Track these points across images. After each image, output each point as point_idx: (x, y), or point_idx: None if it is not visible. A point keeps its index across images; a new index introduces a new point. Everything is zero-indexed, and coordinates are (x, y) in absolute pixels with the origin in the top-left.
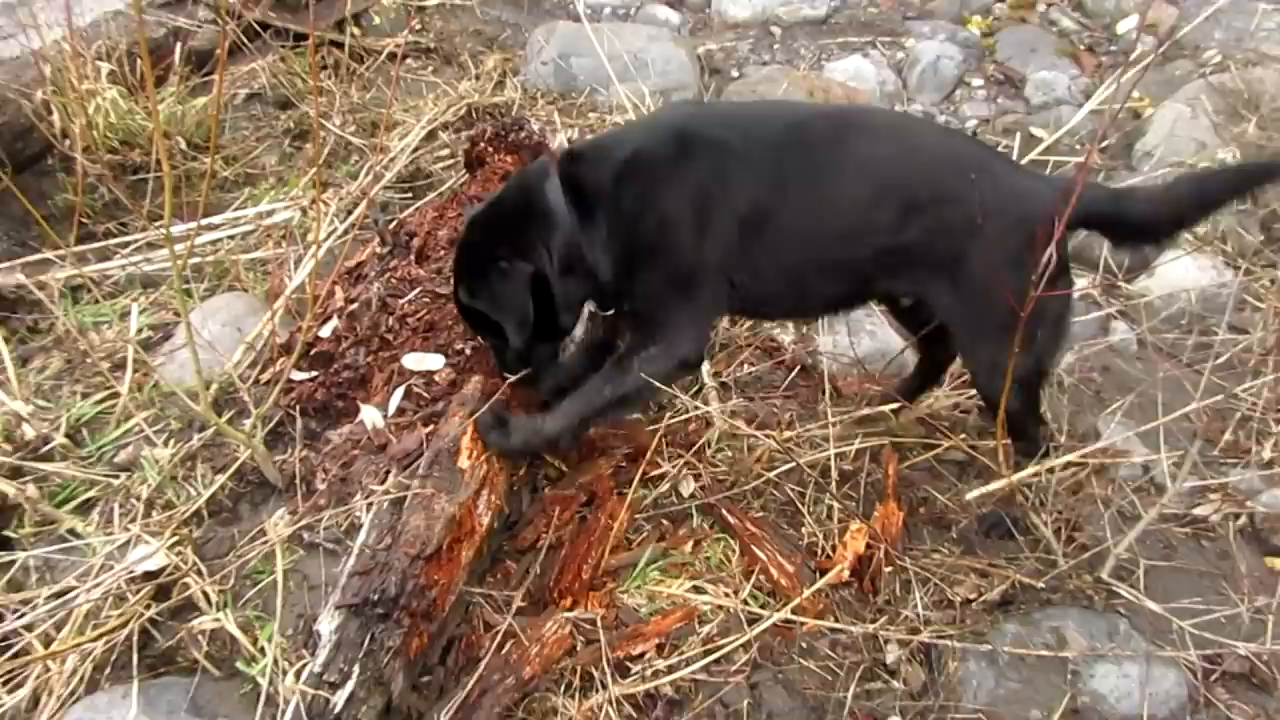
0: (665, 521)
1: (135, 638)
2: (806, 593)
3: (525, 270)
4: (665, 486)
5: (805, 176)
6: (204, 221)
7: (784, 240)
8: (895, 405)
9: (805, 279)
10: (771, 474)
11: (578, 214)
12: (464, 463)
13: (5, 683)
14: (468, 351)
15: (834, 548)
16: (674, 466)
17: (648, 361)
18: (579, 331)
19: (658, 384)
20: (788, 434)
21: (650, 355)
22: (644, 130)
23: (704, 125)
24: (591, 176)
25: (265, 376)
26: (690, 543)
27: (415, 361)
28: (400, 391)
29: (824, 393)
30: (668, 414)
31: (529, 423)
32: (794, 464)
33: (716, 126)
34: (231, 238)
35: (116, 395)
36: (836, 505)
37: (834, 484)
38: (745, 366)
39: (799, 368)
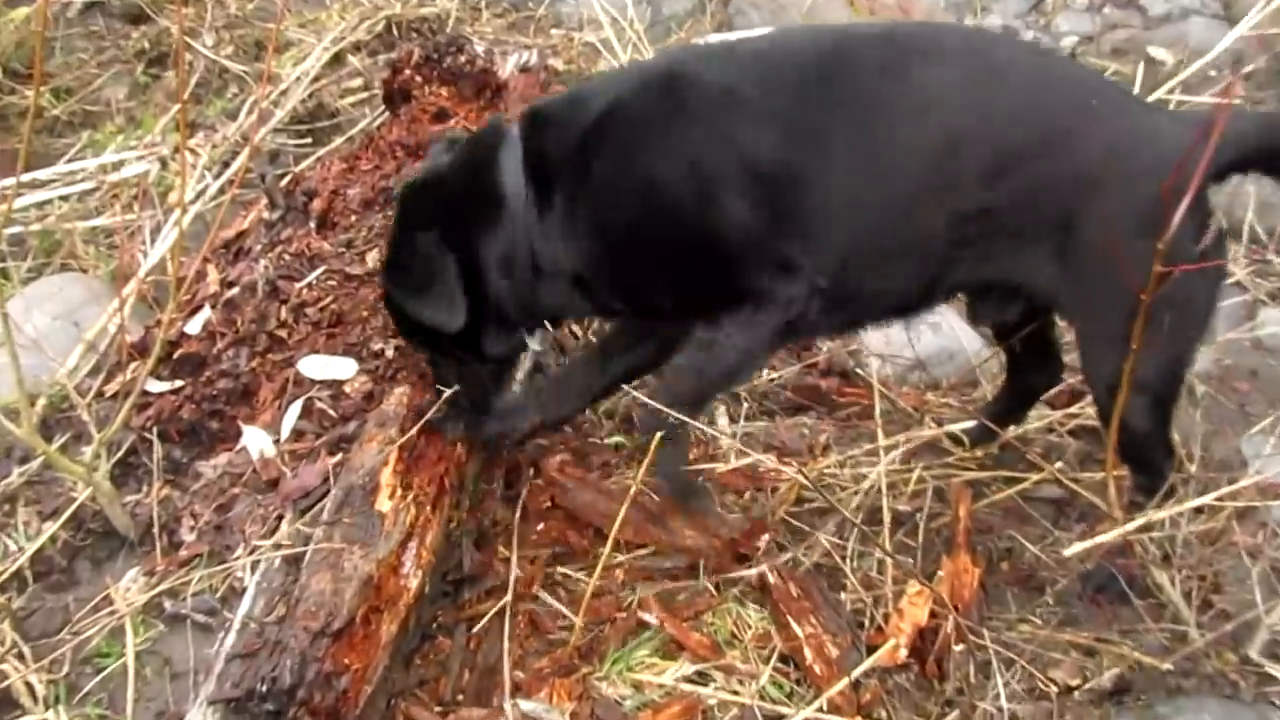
0: (665, 581)
1: None
2: (845, 681)
3: (452, 257)
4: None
5: (848, 126)
6: (26, 177)
7: (821, 219)
8: (968, 425)
9: (854, 272)
10: (799, 518)
11: (534, 194)
12: (384, 504)
13: None
14: (389, 353)
15: (886, 617)
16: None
17: (738, 328)
18: (534, 347)
19: (762, 349)
20: (822, 464)
21: (739, 321)
22: (625, 78)
23: (703, 66)
24: (555, 144)
25: (112, 388)
26: (692, 610)
27: (317, 367)
28: (296, 408)
29: (874, 408)
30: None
31: (529, 398)
32: (830, 505)
33: (720, 67)
34: (65, 199)
35: None
36: (889, 560)
37: (885, 531)
38: (765, 372)
39: (837, 374)
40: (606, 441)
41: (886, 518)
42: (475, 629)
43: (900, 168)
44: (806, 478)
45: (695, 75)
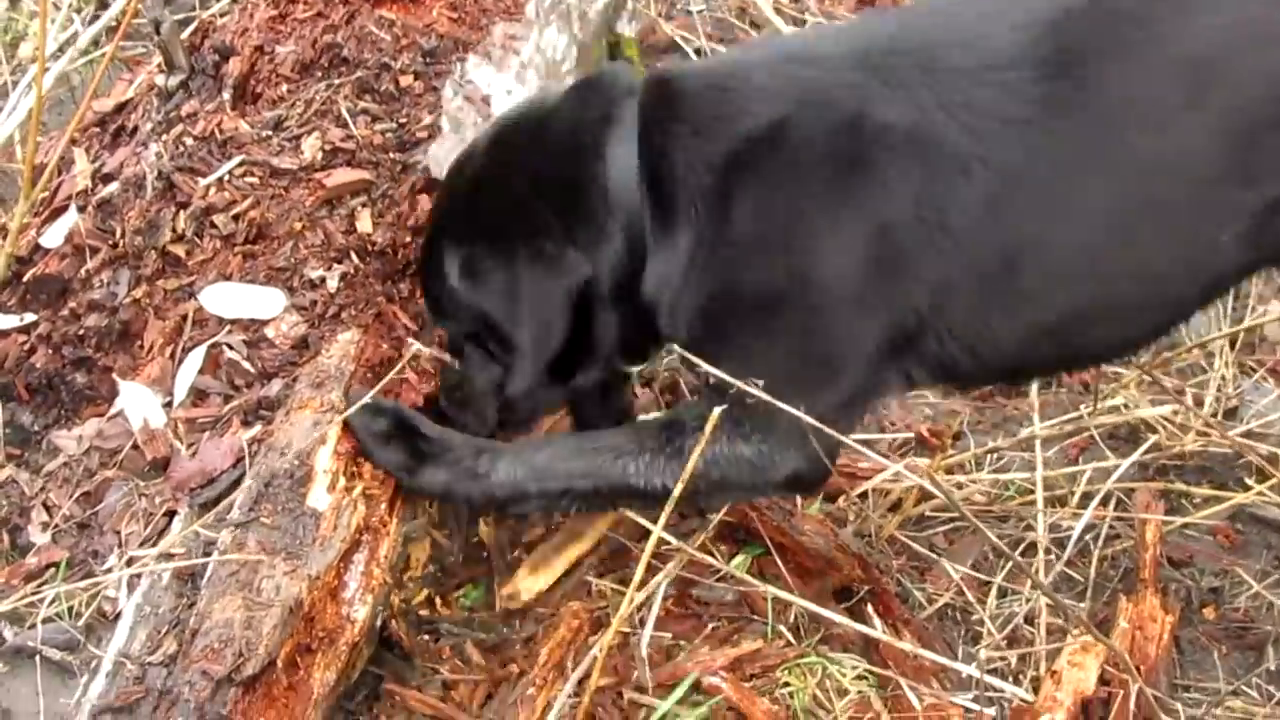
0: (718, 621)
1: None
2: None
3: (580, 273)
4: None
5: (1092, 163)
6: None
7: (1063, 276)
8: (1171, 409)
9: (1095, 322)
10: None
11: (653, 210)
12: (321, 499)
13: None
14: (331, 284)
15: (1037, 682)
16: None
17: (723, 456)
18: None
19: (723, 494)
20: (951, 458)
21: (730, 446)
22: (800, 76)
23: (899, 97)
24: (691, 155)
25: None
26: (758, 664)
27: (227, 301)
28: (197, 358)
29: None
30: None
31: (464, 450)
32: (963, 518)
33: (922, 102)
34: None
35: None
36: (1044, 601)
37: (1040, 559)
38: None
39: None
40: (642, 419)
41: (1043, 539)
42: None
43: (1163, 189)
44: (935, 482)
45: (883, 121)
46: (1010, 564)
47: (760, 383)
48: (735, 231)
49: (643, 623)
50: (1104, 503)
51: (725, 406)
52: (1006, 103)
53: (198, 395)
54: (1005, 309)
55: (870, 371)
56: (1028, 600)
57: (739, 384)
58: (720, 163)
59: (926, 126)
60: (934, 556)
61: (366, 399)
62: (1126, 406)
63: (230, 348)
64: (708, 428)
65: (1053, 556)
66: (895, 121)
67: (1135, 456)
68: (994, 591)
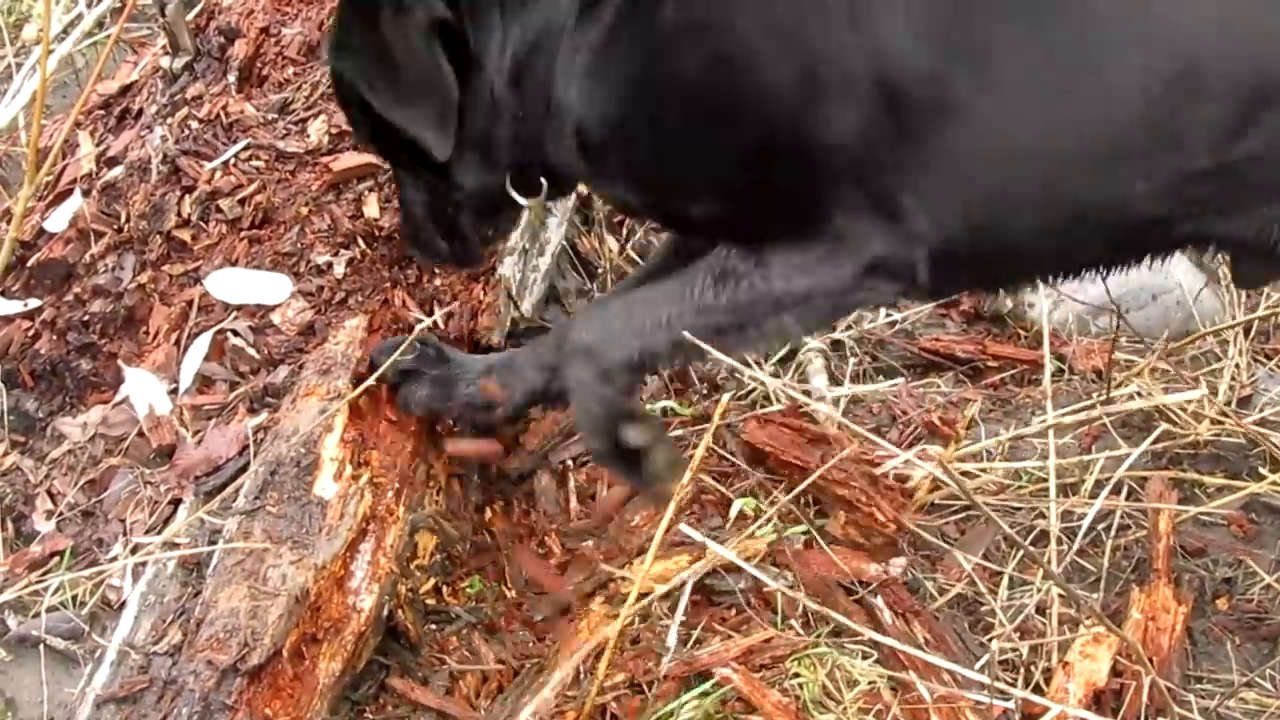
0: (726, 611)
1: None
2: None
3: (433, 9)
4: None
5: (1027, 35)
6: None
7: (960, 159)
8: (1189, 395)
9: (996, 232)
10: (926, 523)
11: None
12: (327, 488)
13: None
14: (338, 269)
15: (1049, 674)
16: (743, 500)
17: (804, 262)
18: (523, 203)
19: (826, 300)
20: (963, 447)
21: (807, 251)
22: None
23: None
24: None
25: None
26: (768, 655)
27: (234, 286)
28: (202, 344)
29: (1041, 369)
30: (722, 395)
31: (529, 355)
32: (974, 507)
33: None
34: None
35: None
36: (1057, 591)
37: (1053, 549)
38: (883, 312)
39: (988, 318)
40: (650, 406)
41: (1054, 528)
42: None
43: (1097, 105)
44: (947, 470)
45: None
46: (1022, 554)
47: None
48: (664, 7)
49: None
50: (1116, 492)
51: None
52: None
53: (203, 382)
54: (941, 160)
55: (866, 164)
56: (1039, 590)
57: None
58: None
59: None
60: (945, 546)
61: (371, 381)
62: (1140, 394)
63: (236, 334)
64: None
65: (1065, 546)
66: None
67: (1146, 444)
68: (1005, 582)
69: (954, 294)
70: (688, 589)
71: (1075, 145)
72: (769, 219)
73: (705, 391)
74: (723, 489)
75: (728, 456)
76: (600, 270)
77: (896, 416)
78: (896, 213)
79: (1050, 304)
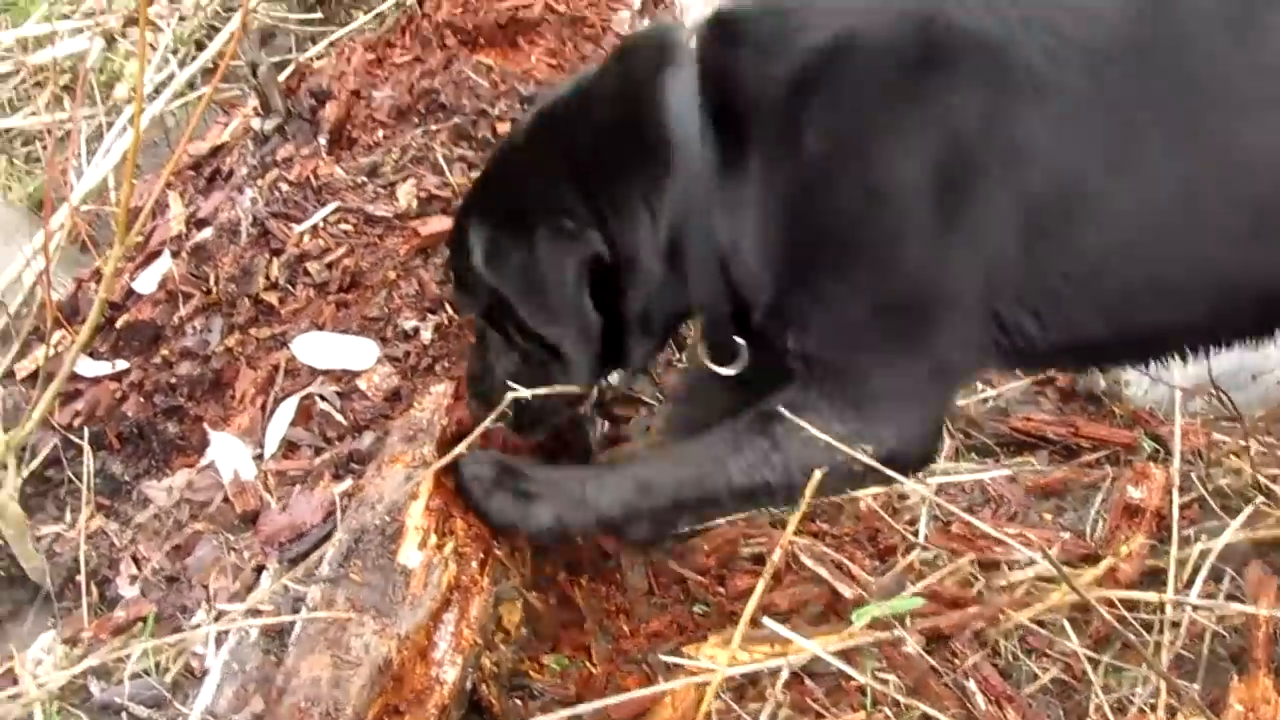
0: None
1: None
2: None
3: (590, 246)
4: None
5: (1169, 110)
6: None
7: (1121, 239)
8: None
9: (1165, 303)
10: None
11: (718, 148)
12: (412, 556)
13: None
14: (425, 335)
15: None
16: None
17: (816, 440)
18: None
19: (825, 482)
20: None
21: (827, 426)
22: None
23: (970, 4)
24: (754, 78)
25: (25, 367)
26: None
27: (320, 350)
28: (288, 409)
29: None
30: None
31: (568, 481)
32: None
33: (1003, 10)
34: None
35: None
36: (1160, 680)
37: (1153, 636)
38: (978, 386)
39: (1082, 396)
40: None
41: (1167, 617)
42: None
43: (1252, 169)
44: (1049, 558)
45: (959, 24)
46: (1120, 640)
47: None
48: (806, 156)
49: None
50: (1216, 578)
51: (812, 385)
52: (1091, 34)
53: (289, 447)
54: (1074, 262)
55: (963, 326)
56: (1141, 681)
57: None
58: (786, 84)
59: (1003, 36)
60: (1044, 633)
61: (461, 447)
62: (1238, 473)
63: (322, 399)
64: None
65: (1168, 637)
66: (970, 25)
67: (1238, 521)
68: (1102, 669)
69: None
70: (783, 675)
71: (1231, 209)
72: (849, 374)
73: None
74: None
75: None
76: (688, 342)
77: (990, 497)
78: (944, 400)
79: (1145, 383)
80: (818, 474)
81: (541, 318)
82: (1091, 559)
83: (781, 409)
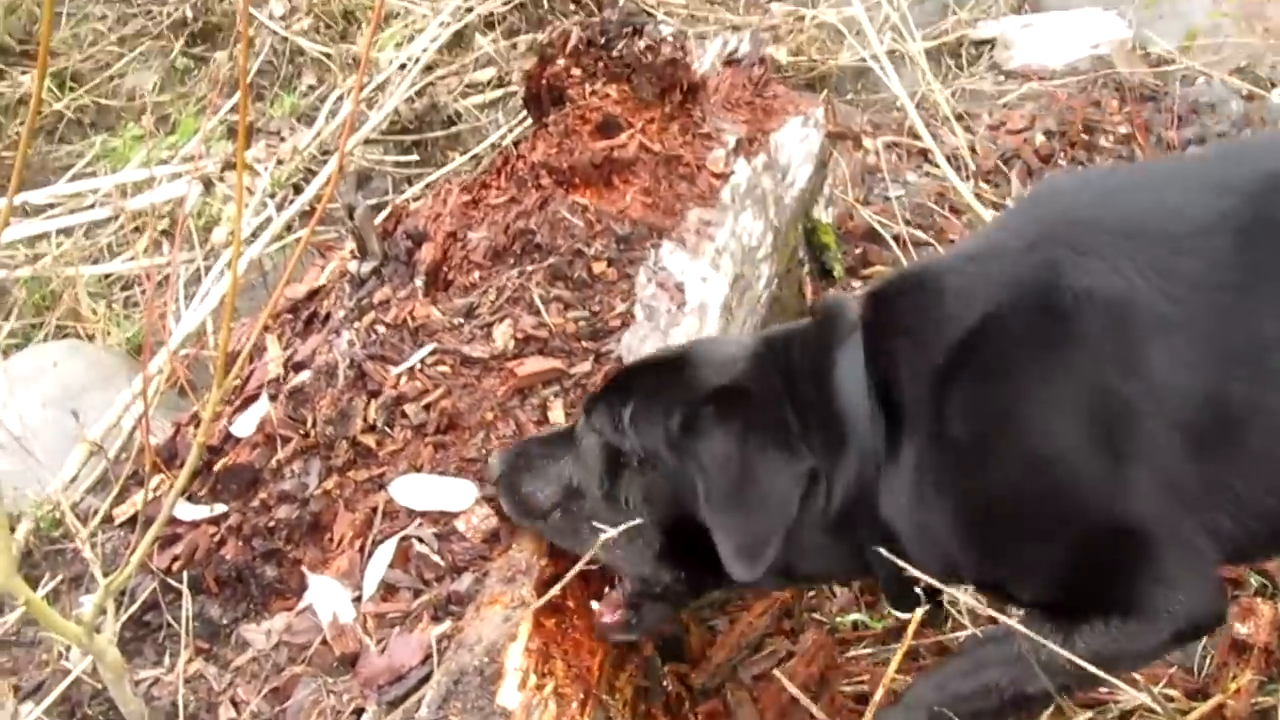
0: None
1: None
2: None
3: (809, 463)
4: None
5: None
6: (16, 199)
7: (1268, 440)
8: None
9: None
10: None
11: (883, 431)
12: (512, 697)
13: None
14: None
15: None
16: None
17: (1118, 635)
18: None
19: (1132, 664)
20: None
21: (1129, 623)
22: (998, 270)
23: (1091, 263)
24: (910, 363)
25: (124, 511)
26: None
27: (418, 493)
28: (387, 551)
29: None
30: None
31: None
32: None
33: (1116, 264)
34: (66, 233)
35: None
36: None
37: None
38: None
39: None
40: (839, 620)
41: None
42: None
43: None
44: (1154, 695)
45: (1080, 284)
46: None
47: None
48: (954, 431)
49: None
50: None
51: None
52: (1205, 269)
53: (387, 589)
54: (1230, 463)
55: (1180, 527)
56: None
57: None
58: (935, 368)
59: (1124, 291)
60: None
61: (558, 589)
62: None
63: (420, 541)
64: None
65: None
66: (1092, 287)
67: None
68: None
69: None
70: None
71: None
72: (1084, 593)
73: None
74: None
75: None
76: None
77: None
78: (1207, 569)
79: None
80: None
81: (733, 509)
82: (1200, 696)
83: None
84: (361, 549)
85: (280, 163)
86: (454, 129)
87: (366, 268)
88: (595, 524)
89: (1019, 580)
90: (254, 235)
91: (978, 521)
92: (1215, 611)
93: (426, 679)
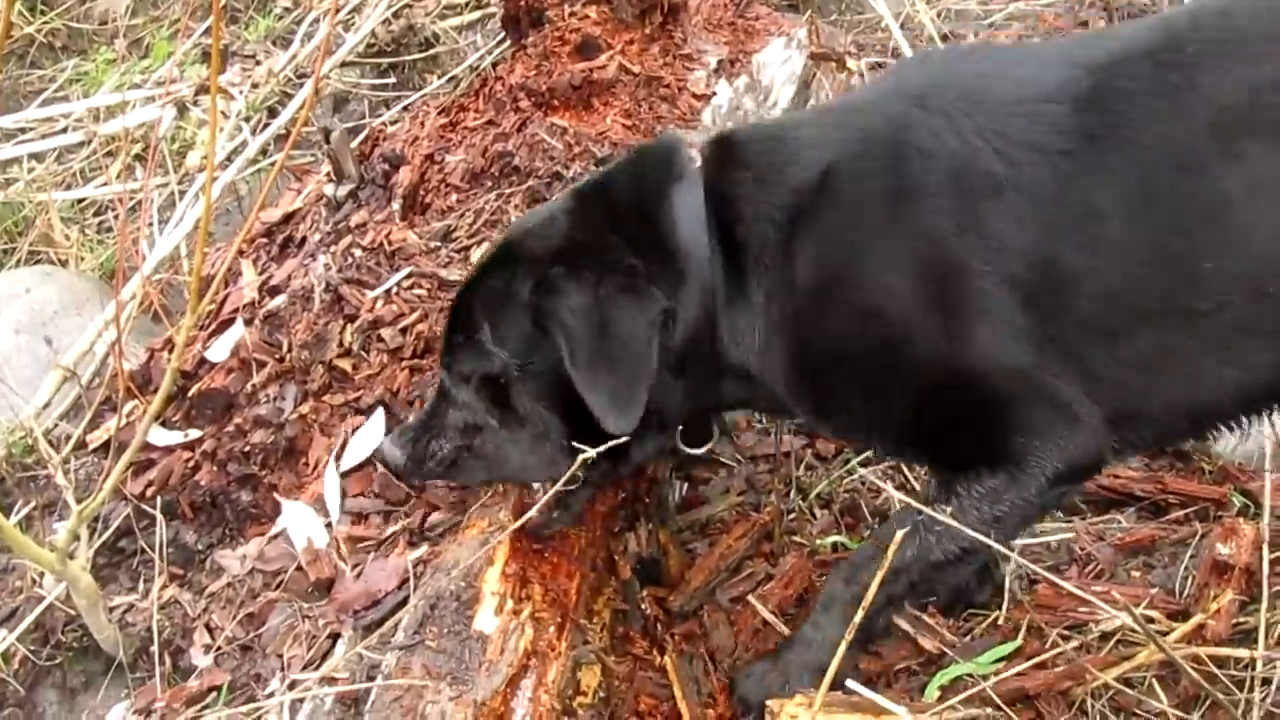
0: None
1: None
2: None
3: (661, 305)
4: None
5: (1124, 188)
6: None
7: (1110, 310)
8: None
9: (1158, 362)
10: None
11: (723, 266)
12: (488, 622)
13: None
14: None
15: None
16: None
17: (992, 489)
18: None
19: (1018, 517)
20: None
21: (993, 477)
22: (845, 123)
23: (939, 126)
24: (752, 207)
25: (98, 437)
26: None
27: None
28: (333, 476)
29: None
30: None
31: (804, 633)
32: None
33: (962, 130)
34: (38, 158)
35: None
36: None
37: (1242, 695)
38: None
39: (1169, 452)
40: (819, 542)
41: (1259, 674)
42: None
43: (1228, 239)
44: (1134, 615)
45: (924, 142)
46: (1209, 700)
47: None
48: (800, 282)
49: None
50: None
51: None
52: (1042, 135)
53: (359, 515)
54: (1065, 322)
55: (1021, 371)
56: None
57: None
58: (779, 215)
59: (964, 152)
60: (1132, 693)
61: (533, 512)
62: None
63: (376, 467)
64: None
65: (1258, 695)
66: (934, 147)
67: None
68: None
69: (1143, 449)
70: None
71: (1218, 273)
72: (949, 451)
73: (877, 526)
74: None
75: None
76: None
77: (1077, 556)
78: (1071, 413)
79: (1234, 438)
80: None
81: (598, 364)
82: (1180, 616)
83: (944, 484)
84: (338, 473)
85: (255, 86)
86: (431, 51)
87: (343, 191)
88: (513, 447)
89: (869, 434)
90: (229, 159)
91: (809, 370)
92: (1089, 454)
93: (403, 604)
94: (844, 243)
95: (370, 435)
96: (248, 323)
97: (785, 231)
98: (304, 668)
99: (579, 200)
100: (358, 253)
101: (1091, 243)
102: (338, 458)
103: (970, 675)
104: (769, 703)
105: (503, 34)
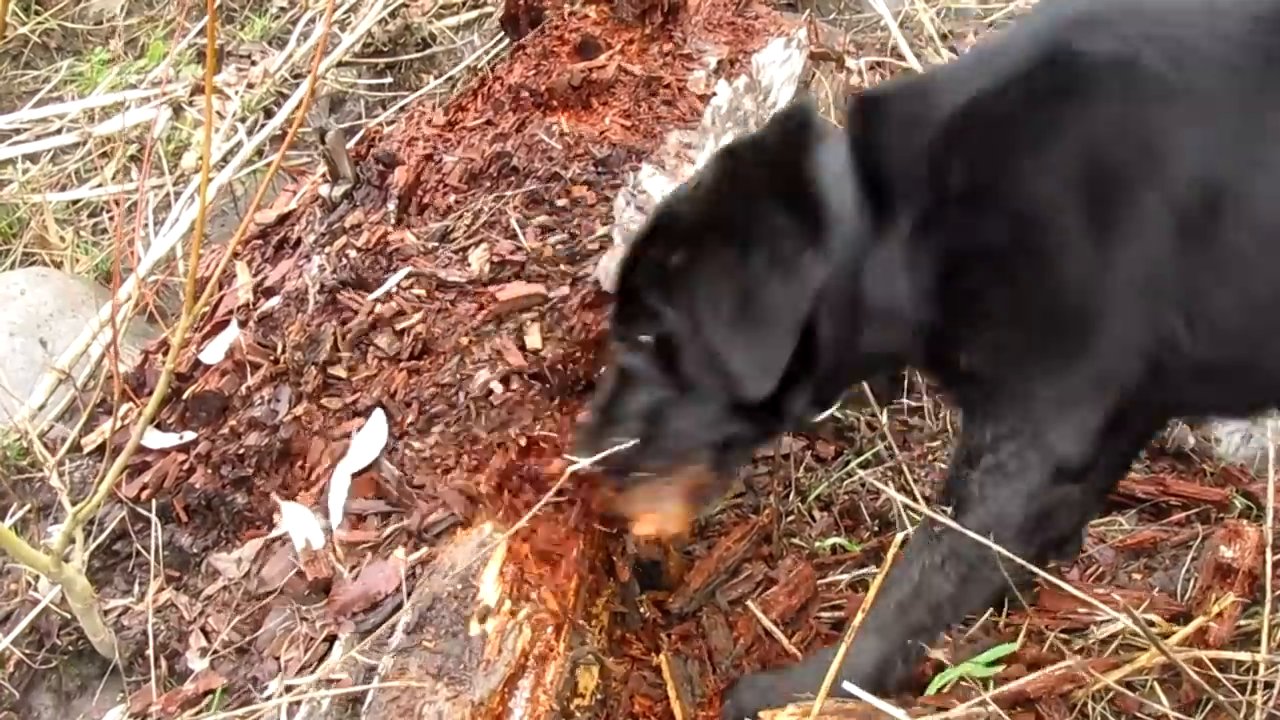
0: None
1: None
2: None
3: (819, 276)
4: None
5: None
6: None
7: (1264, 237)
8: None
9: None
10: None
11: (870, 214)
12: (485, 623)
13: None
14: (498, 392)
15: None
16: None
17: (993, 480)
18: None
19: (1017, 524)
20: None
21: (999, 465)
22: (992, 60)
23: (1099, 32)
24: (900, 149)
25: (91, 440)
26: None
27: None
28: (343, 479)
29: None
30: (895, 534)
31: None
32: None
33: (1124, 33)
34: (32, 159)
35: None
36: None
37: (1250, 701)
38: None
39: (1170, 454)
40: (818, 545)
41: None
42: None
43: None
44: (1134, 617)
45: (1087, 46)
46: (1212, 702)
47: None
48: (952, 201)
49: None
50: None
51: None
52: (1215, 44)
53: (359, 517)
54: (1210, 251)
55: (1120, 343)
56: None
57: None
58: (927, 144)
59: (1127, 53)
60: (1133, 696)
61: (534, 510)
62: None
63: (383, 469)
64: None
65: (1260, 698)
66: (1094, 49)
67: None
68: None
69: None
70: None
71: None
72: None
73: (876, 529)
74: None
75: None
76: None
77: (1076, 558)
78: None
79: (1237, 440)
80: None
81: (738, 331)
82: (1182, 619)
83: (957, 474)
84: (335, 476)
85: (251, 86)
86: (428, 51)
87: (338, 192)
88: (681, 412)
89: (968, 356)
90: (224, 160)
91: (959, 280)
92: (1087, 460)
93: (400, 606)
94: (998, 146)
95: (371, 437)
96: (242, 324)
97: (935, 157)
98: (301, 670)
99: (724, 166)
100: (353, 254)
101: (1254, 165)
102: (343, 460)
103: (969, 677)
104: (761, 713)
105: (499, 34)
